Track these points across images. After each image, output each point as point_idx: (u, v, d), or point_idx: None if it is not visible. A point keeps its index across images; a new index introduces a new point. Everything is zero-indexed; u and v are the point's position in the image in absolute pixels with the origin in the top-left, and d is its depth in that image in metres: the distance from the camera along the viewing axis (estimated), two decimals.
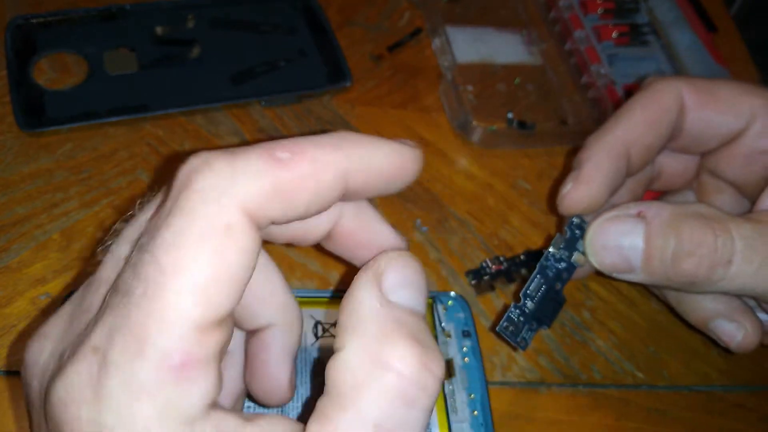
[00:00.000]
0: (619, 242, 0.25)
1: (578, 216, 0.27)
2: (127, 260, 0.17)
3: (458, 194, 0.37)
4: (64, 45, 0.38)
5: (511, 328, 0.25)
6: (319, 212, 0.18)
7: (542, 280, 0.26)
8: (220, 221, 0.16)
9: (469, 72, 0.42)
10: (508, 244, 0.36)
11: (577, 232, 0.27)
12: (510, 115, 0.39)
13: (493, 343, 0.32)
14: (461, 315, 0.31)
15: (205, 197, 0.16)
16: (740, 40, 0.49)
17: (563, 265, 0.26)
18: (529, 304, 0.26)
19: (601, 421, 0.31)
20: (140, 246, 0.16)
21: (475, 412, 0.29)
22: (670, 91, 0.28)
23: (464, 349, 0.30)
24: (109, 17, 0.40)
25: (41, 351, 0.18)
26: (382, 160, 0.18)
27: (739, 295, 0.28)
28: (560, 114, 0.41)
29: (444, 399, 0.29)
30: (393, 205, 0.36)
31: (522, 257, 0.34)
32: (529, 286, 0.26)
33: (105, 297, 0.17)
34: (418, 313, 0.18)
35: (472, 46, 0.43)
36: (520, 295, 0.26)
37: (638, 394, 0.32)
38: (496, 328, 0.26)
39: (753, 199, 0.28)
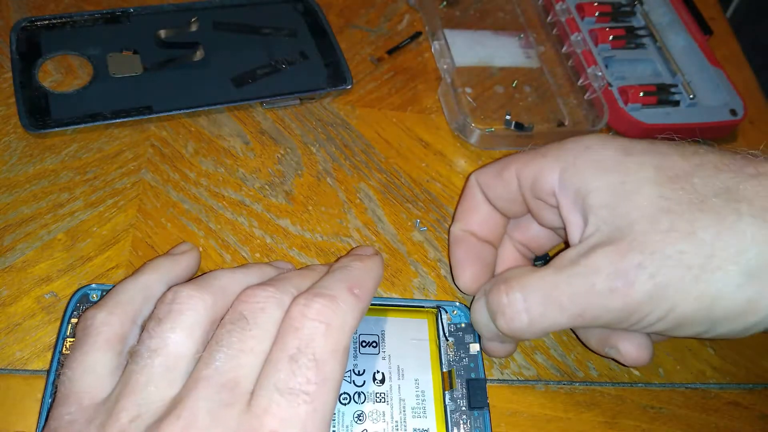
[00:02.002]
0: (481, 317, 0.29)
1: (450, 325, 0.31)
2: None
3: (457, 195, 0.38)
4: (69, 47, 0.39)
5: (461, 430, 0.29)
6: None
7: (459, 381, 0.30)
8: None
9: (468, 74, 0.42)
10: None
11: (459, 332, 0.31)
12: (508, 117, 0.40)
13: None
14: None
15: None
16: (735, 41, 0.50)
17: (466, 360, 0.30)
18: (462, 403, 0.29)
19: (597, 418, 0.32)
20: None
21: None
22: (471, 184, 0.33)
23: None
24: (113, 20, 0.41)
25: None
26: None
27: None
28: (557, 116, 0.42)
29: (444, 408, 0.29)
30: (393, 205, 0.37)
31: None
32: (452, 392, 0.30)
33: None
34: None
35: (471, 49, 0.43)
36: (448, 401, 0.29)
37: (634, 391, 0.33)
38: None
39: None
